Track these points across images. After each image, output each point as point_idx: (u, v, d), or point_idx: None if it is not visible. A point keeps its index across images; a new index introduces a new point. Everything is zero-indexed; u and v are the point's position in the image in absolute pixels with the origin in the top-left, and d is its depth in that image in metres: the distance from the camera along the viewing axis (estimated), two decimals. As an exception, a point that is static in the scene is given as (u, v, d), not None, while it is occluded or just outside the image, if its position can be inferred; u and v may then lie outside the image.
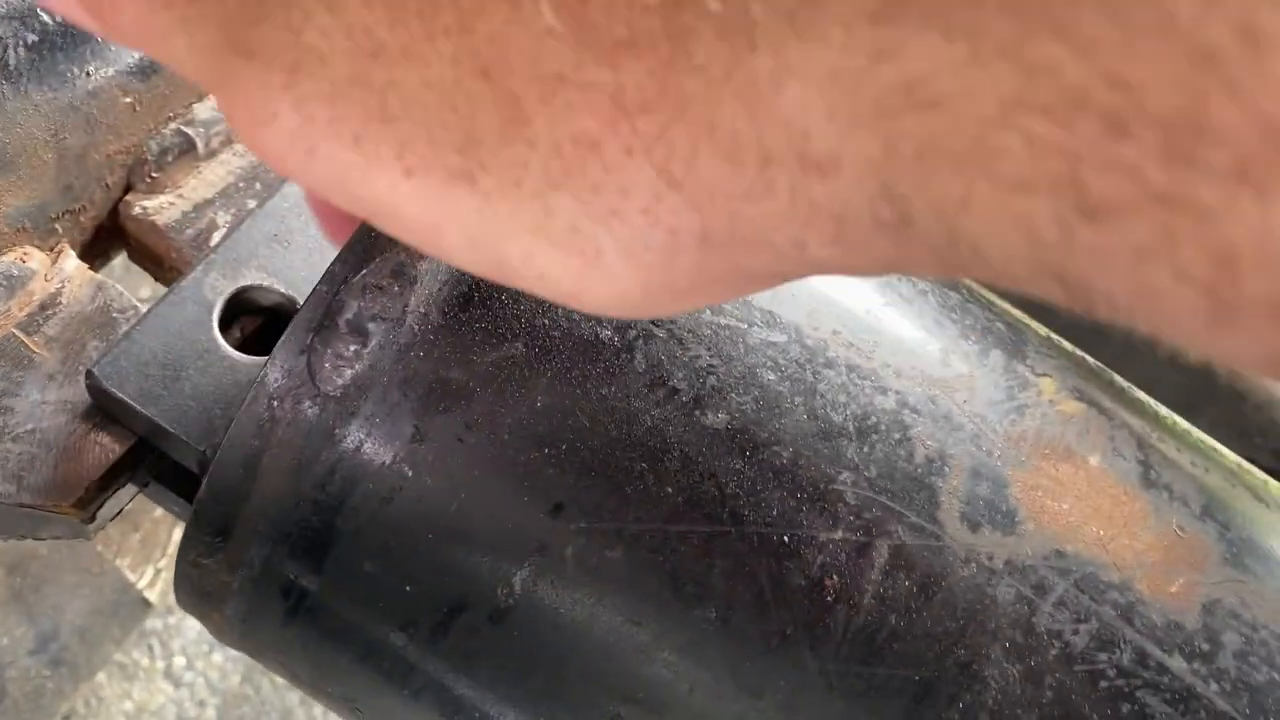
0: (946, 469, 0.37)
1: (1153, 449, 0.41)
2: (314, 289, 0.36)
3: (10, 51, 0.42)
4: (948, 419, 0.38)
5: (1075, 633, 0.36)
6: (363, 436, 0.36)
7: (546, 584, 0.36)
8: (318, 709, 1.53)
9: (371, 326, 0.36)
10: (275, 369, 0.36)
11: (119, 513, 0.45)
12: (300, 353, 0.36)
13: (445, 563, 0.36)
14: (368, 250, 0.36)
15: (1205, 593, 0.38)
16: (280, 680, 1.55)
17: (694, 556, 0.35)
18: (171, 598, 1.54)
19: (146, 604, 0.82)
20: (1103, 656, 0.36)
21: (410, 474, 0.36)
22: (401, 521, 0.36)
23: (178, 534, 0.89)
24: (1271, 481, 0.45)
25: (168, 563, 0.82)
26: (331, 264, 0.36)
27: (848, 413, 0.37)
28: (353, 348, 0.36)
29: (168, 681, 1.50)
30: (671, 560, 0.35)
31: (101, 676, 1.45)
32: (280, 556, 0.37)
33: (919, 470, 0.37)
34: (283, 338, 0.36)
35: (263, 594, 0.38)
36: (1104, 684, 0.36)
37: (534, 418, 0.35)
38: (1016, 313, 0.45)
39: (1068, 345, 0.45)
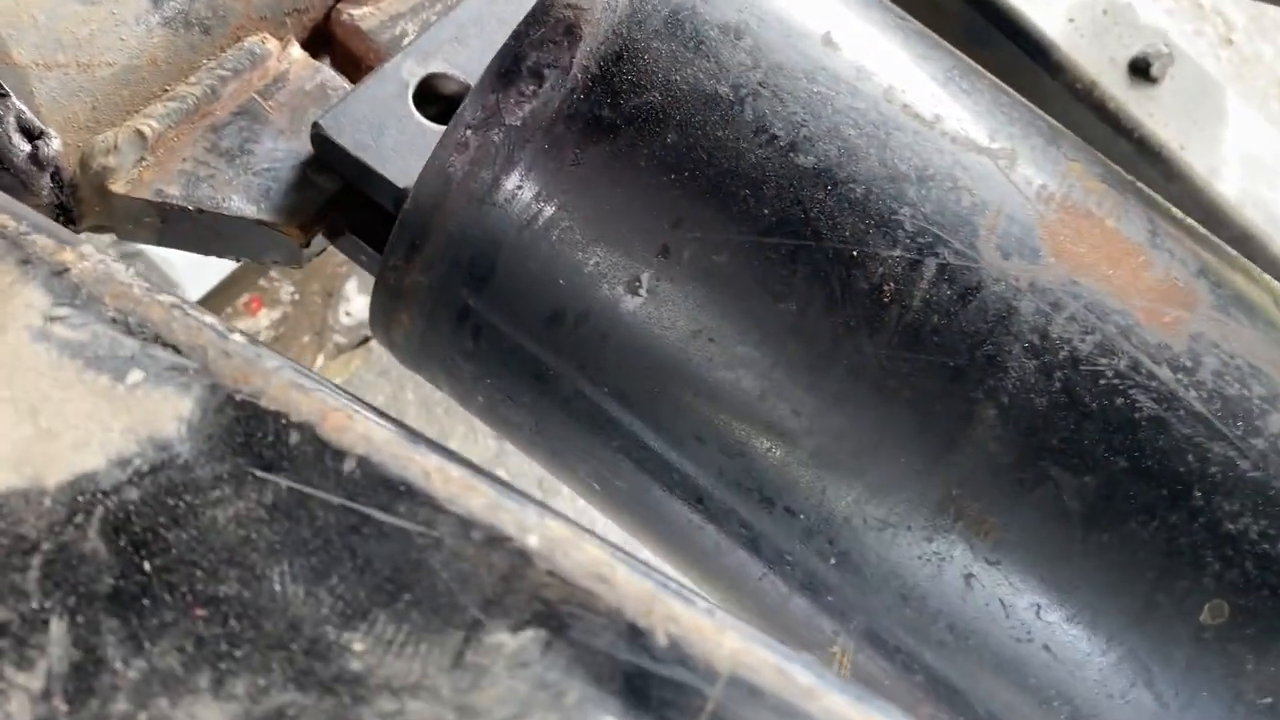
0: (986, 212, 0.47)
1: (1160, 225, 0.50)
2: (504, 44, 0.47)
3: (263, -124, 0.54)
4: (990, 177, 0.48)
5: (1082, 341, 0.45)
6: (534, 160, 0.46)
7: (667, 280, 0.46)
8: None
9: (546, 71, 0.46)
10: (471, 103, 0.47)
11: (320, 252, 0.56)
12: (490, 92, 0.47)
13: (591, 261, 0.47)
14: (546, 12, 0.47)
15: (1192, 326, 0.47)
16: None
17: (781, 263, 0.46)
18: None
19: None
20: (1103, 361, 0.45)
21: (569, 191, 0.46)
22: (558, 229, 0.47)
23: (321, 361, 1.01)
24: (1266, 275, 0.54)
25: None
26: (518, 25, 0.47)
27: (911, 164, 0.47)
28: (531, 87, 0.46)
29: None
30: (763, 266, 0.46)
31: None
32: (463, 259, 0.48)
33: (964, 210, 0.46)
34: (477, 83, 0.47)
35: (446, 291, 0.49)
36: (1103, 381, 0.45)
37: (664, 151, 0.46)
38: (1057, 124, 0.54)
39: (1100, 155, 0.54)
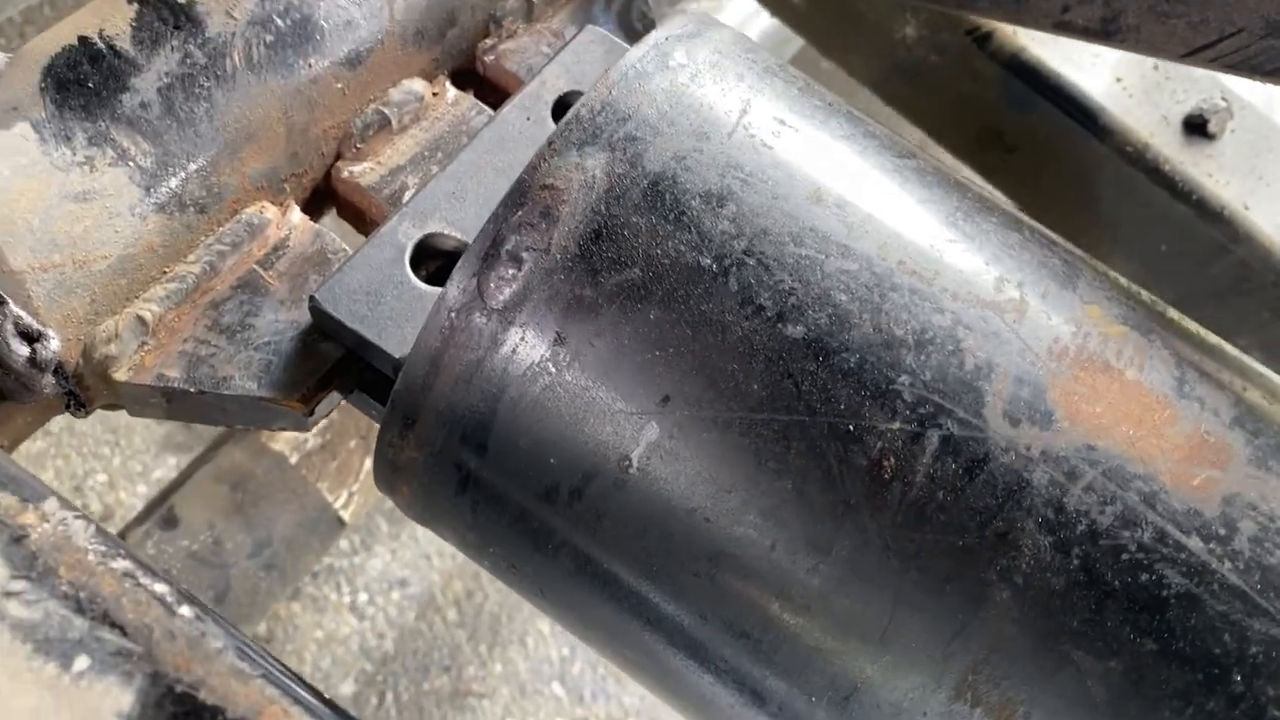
0: (993, 375, 0.44)
1: (1190, 367, 0.47)
2: (483, 227, 0.46)
3: (254, 48, 0.54)
4: (996, 335, 0.45)
5: (1101, 513, 0.43)
6: (518, 341, 0.46)
7: (657, 459, 0.45)
8: (483, 644, 1.68)
9: (525, 255, 0.46)
10: (453, 288, 0.46)
11: (328, 414, 0.56)
12: (472, 275, 0.46)
13: (580, 441, 0.46)
14: (523, 195, 0.46)
15: (1226, 487, 0.44)
16: (451, 617, 1.70)
17: (774, 439, 0.44)
18: (360, 522, 1.70)
19: (341, 522, 0.96)
20: (1125, 534, 0.43)
21: (554, 370, 0.46)
22: (546, 407, 0.46)
23: (368, 464, 1.02)
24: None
25: (359, 487, 0.95)
26: (496, 208, 0.46)
27: (908, 327, 0.45)
28: (511, 271, 0.46)
29: (353, 614, 1.67)
30: (756, 442, 0.44)
31: (296, 607, 1.64)
32: (455, 436, 0.48)
33: (968, 375, 0.44)
34: (459, 264, 0.47)
35: (441, 468, 0.49)
36: (1125, 556, 0.42)
37: (648, 327, 0.45)
38: (1078, 251, 0.51)
39: (1123, 280, 0.51)
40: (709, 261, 0.45)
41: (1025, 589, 0.43)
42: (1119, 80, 0.91)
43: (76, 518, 0.35)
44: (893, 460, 0.43)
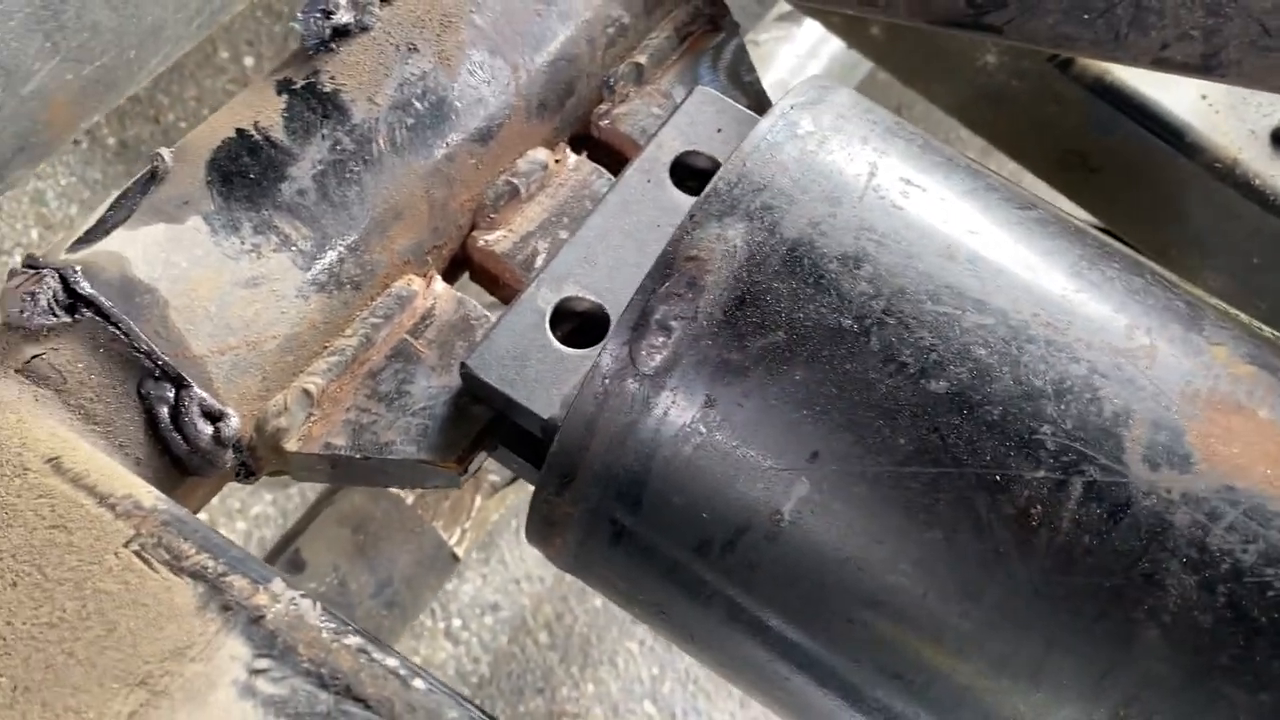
0: (1130, 421, 0.46)
1: (1321, 404, 0.49)
2: (632, 299, 0.49)
3: (396, 132, 0.57)
4: (1131, 381, 0.47)
5: (1244, 551, 0.44)
6: (669, 404, 0.48)
7: (808, 512, 0.47)
8: (575, 666, 1.71)
9: (674, 324, 0.48)
10: (607, 357, 0.49)
11: (476, 470, 0.59)
12: (624, 344, 0.49)
13: (732, 498, 0.48)
14: (669, 267, 0.49)
15: (1367, 521, 0.45)
16: (543, 640, 1.73)
17: (923, 491, 0.46)
18: (469, 557, 1.74)
19: (455, 558, 1.00)
20: (1270, 571, 0.44)
21: (704, 430, 0.48)
22: (699, 466, 0.48)
23: (479, 501, 1.06)
24: None
25: (471, 524, 0.99)
26: (644, 279, 0.49)
27: (1046, 378, 0.47)
28: (660, 339, 0.48)
29: (448, 640, 1.71)
30: (905, 495, 0.46)
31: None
32: (610, 494, 0.50)
33: (1107, 422, 0.46)
34: (610, 333, 0.50)
35: (596, 522, 0.52)
36: (1271, 593, 0.44)
37: (794, 388, 0.47)
38: (1198, 291, 0.53)
39: (1244, 317, 0.53)
40: (850, 322, 0.47)
41: (1173, 627, 0.44)
42: (1204, 97, 0.92)
43: (303, 596, 0.38)
44: (1039, 508, 0.45)
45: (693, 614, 0.53)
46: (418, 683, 0.35)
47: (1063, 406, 0.46)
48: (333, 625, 0.37)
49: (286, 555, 0.94)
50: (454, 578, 1.73)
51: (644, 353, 0.49)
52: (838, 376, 0.47)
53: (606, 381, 0.49)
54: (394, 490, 0.96)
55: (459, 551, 0.99)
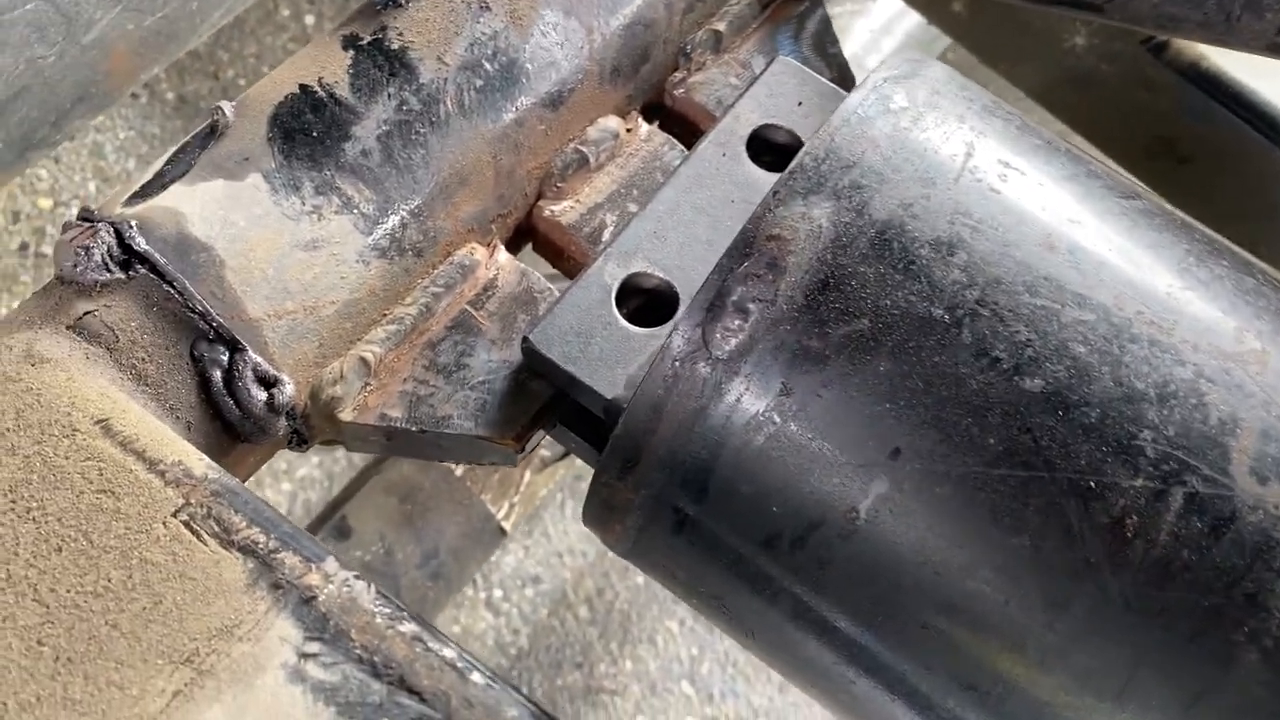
0: (1238, 430, 0.43)
1: None
2: (707, 278, 0.47)
3: (465, 93, 0.55)
4: (1240, 388, 0.44)
5: (1359, 576, 0.41)
6: (743, 390, 0.46)
7: (886, 511, 0.45)
8: (614, 641, 1.70)
9: (751, 306, 0.46)
10: (678, 337, 0.47)
11: (534, 448, 0.57)
12: (697, 325, 0.46)
13: (804, 492, 0.46)
14: (749, 246, 0.46)
15: None
16: (583, 614, 1.72)
17: (1011, 495, 0.43)
18: (517, 529, 1.74)
19: (502, 532, 0.98)
20: (1383, 597, 0.41)
21: (778, 420, 0.46)
22: (771, 457, 0.46)
23: (528, 475, 1.04)
24: None
25: (520, 498, 0.97)
26: (721, 258, 0.47)
27: (1149, 381, 0.44)
28: (736, 322, 0.46)
29: (488, 610, 1.70)
30: (992, 498, 0.44)
31: (433, 602, 1.68)
32: (674, 481, 0.48)
33: (1213, 430, 0.43)
34: (682, 313, 0.47)
35: (658, 510, 0.49)
36: (1384, 620, 0.41)
37: (877, 379, 0.45)
38: (1313, 296, 0.49)
39: (1364, 325, 0.49)
40: (941, 312, 0.45)
41: (1276, 652, 0.41)
42: (1305, 87, 0.87)
43: (357, 578, 0.37)
44: (1135, 518, 0.42)
45: (756, 610, 0.51)
46: (475, 676, 0.33)
47: (1165, 412, 0.43)
48: (388, 610, 0.35)
49: (333, 522, 0.93)
50: (496, 549, 1.73)
51: (718, 335, 0.46)
52: (925, 369, 0.44)
53: (677, 364, 0.47)
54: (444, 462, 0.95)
55: (506, 525, 0.98)
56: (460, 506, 0.94)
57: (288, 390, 0.49)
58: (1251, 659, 0.41)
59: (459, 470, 0.95)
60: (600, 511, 0.53)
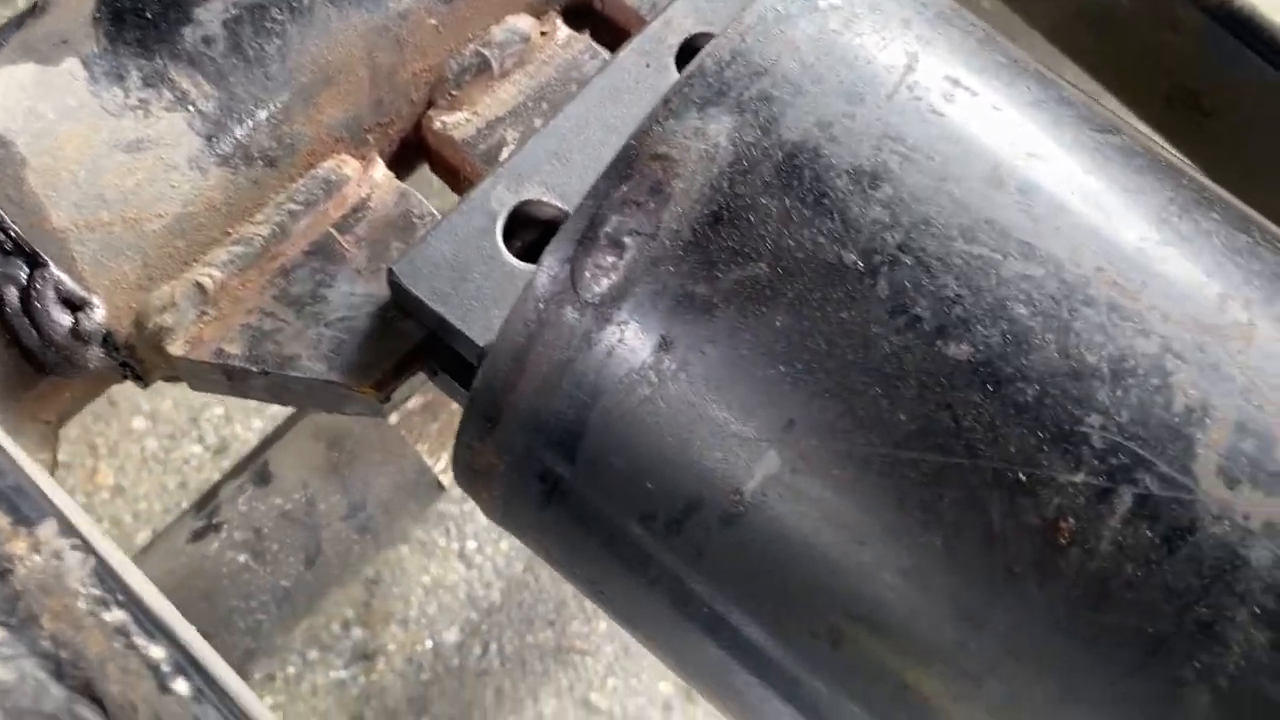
0: (1208, 420, 0.35)
1: None
2: (580, 203, 0.39)
3: (337, -22, 0.47)
4: (1216, 368, 0.36)
5: (1342, 608, 0.33)
6: (615, 342, 0.38)
7: (775, 495, 0.37)
8: (588, 602, 1.64)
9: (628, 240, 0.38)
10: (543, 275, 0.39)
11: (409, 396, 0.50)
12: (565, 261, 0.39)
13: (683, 465, 0.38)
14: (629, 166, 0.38)
15: None
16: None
17: (923, 484, 0.36)
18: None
19: (440, 486, 0.92)
20: (1372, 638, 0.33)
21: (655, 379, 0.38)
22: (646, 422, 0.38)
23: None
24: None
25: (460, 451, 0.91)
26: (598, 179, 0.39)
27: (1103, 353, 0.35)
28: (610, 259, 0.38)
29: (461, 562, 1.65)
30: (899, 486, 0.36)
31: (405, 550, 1.62)
32: (539, 445, 0.41)
33: (1176, 419, 0.35)
34: (549, 246, 0.39)
35: (523, 478, 0.42)
36: (1370, 667, 0.33)
37: (773, 336, 0.37)
38: (1320, 261, 0.41)
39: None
40: (854, 257, 0.36)
41: (1230, 694, 0.34)
42: (1348, 33, 0.77)
43: (74, 548, 0.29)
44: (1072, 521, 0.34)
45: (634, 597, 0.43)
46: (179, 685, 0.26)
47: (1120, 393, 0.35)
48: (98, 593, 0.28)
49: (254, 466, 0.87)
50: (471, 501, 1.67)
51: (589, 274, 0.38)
52: (830, 327, 0.36)
53: (541, 307, 0.39)
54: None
55: (445, 480, 0.91)
56: (393, 456, 0.87)
57: (98, 315, 0.42)
58: (1202, 701, 0.34)
59: (393, 418, 0.88)
60: (467, 476, 0.45)
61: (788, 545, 0.37)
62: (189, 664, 0.27)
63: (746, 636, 0.40)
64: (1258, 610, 0.33)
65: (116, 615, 0.28)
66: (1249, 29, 0.77)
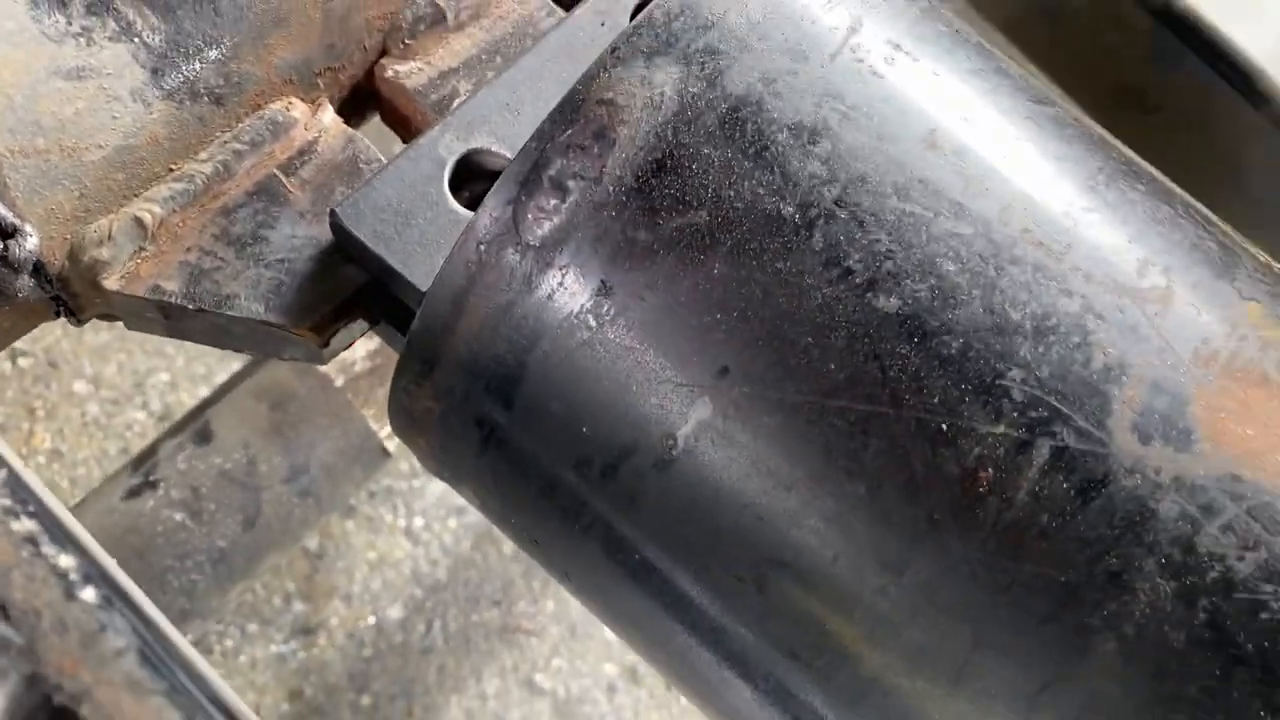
0: (1124, 378, 0.36)
1: (1372, 389, 0.38)
2: (524, 145, 0.39)
3: (291, -81, 0.47)
4: (1134, 329, 0.37)
5: (1240, 559, 0.35)
6: (555, 286, 0.39)
7: (707, 441, 0.38)
8: (536, 581, 1.64)
9: (571, 184, 0.38)
10: (485, 216, 0.39)
11: (349, 345, 0.50)
12: (507, 203, 0.39)
13: (619, 411, 0.39)
14: (575, 110, 0.39)
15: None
16: (507, 550, 1.66)
17: (849, 433, 0.36)
18: (413, 455, 1.67)
19: (386, 453, 0.91)
20: (1268, 588, 0.34)
21: (594, 324, 0.38)
22: (583, 367, 0.39)
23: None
24: None
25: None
26: (543, 122, 0.39)
27: (1027, 311, 0.36)
28: (553, 202, 0.38)
29: (407, 538, 1.64)
30: (826, 433, 0.37)
31: (350, 525, 1.61)
32: (477, 389, 0.41)
33: (1094, 376, 0.36)
34: (493, 188, 0.40)
35: (460, 423, 0.42)
36: (1265, 615, 0.34)
37: (710, 284, 0.37)
38: (1236, 235, 0.42)
39: (1292, 273, 0.42)
40: (791, 210, 0.37)
41: (1136, 642, 0.35)
42: (1287, 38, 0.80)
43: (-3, 451, 0.29)
44: (991, 471, 0.35)
45: (568, 546, 0.44)
46: (87, 593, 0.26)
47: (1041, 349, 0.36)
48: (7, 503, 0.28)
49: (196, 425, 0.86)
50: (421, 475, 1.66)
51: (531, 217, 0.39)
52: (765, 276, 0.37)
53: (482, 248, 0.39)
54: (323, 369, 0.87)
55: (390, 446, 0.91)
56: (337, 420, 0.87)
57: (29, 243, 0.42)
58: (1107, 648, 0.35)
59: (340, 380, 0.88)
60: (404, 422, 0.45)
61: (717, 491, 0.38)
62: (98, 575, 0.27)
63: (675, 583, 0.41)
64: (1164, 560, 0.35)
65: (25, 525, 0.28)
66: (1190, 30, 0.79)
